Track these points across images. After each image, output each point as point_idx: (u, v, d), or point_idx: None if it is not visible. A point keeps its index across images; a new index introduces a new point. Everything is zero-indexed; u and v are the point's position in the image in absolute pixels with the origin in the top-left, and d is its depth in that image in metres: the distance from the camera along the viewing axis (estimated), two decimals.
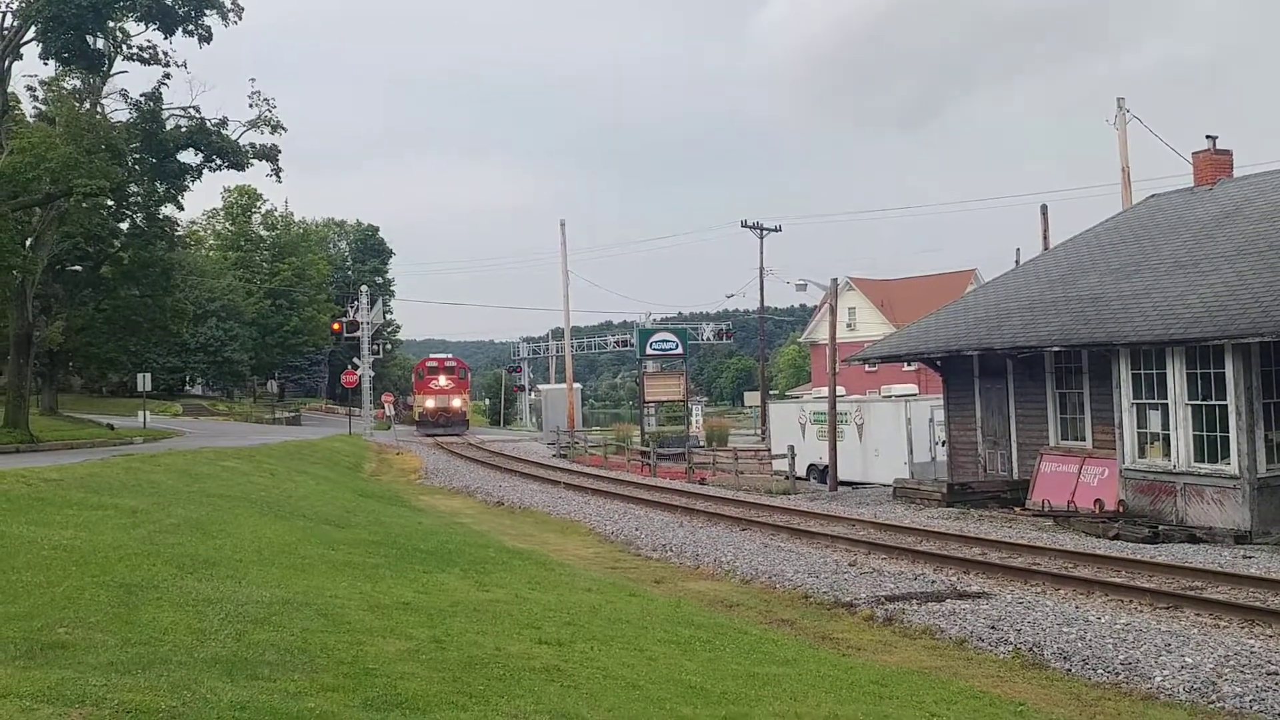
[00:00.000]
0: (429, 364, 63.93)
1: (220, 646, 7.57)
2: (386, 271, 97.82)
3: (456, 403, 61.36)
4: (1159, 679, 9.69)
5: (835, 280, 33.20)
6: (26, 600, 8.26)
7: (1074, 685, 9.89)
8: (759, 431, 61.69)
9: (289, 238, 73.55)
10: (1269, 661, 9.90)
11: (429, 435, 56.86)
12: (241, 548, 13.01)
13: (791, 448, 30.92)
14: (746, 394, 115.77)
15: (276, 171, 33.09)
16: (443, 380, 61.29)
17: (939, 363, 26.94)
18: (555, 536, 21.06)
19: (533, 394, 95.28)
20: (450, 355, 67.18)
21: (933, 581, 14.76)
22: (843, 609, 13.49)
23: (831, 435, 30.20)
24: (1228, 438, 18.80)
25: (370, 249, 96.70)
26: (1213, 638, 10.97)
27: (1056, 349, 22.60)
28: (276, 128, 32.65)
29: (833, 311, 32.22)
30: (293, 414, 66.24)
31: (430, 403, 61.02)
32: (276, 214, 74.80)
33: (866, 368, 45.19)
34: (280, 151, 32.91)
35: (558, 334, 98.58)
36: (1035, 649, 11.01)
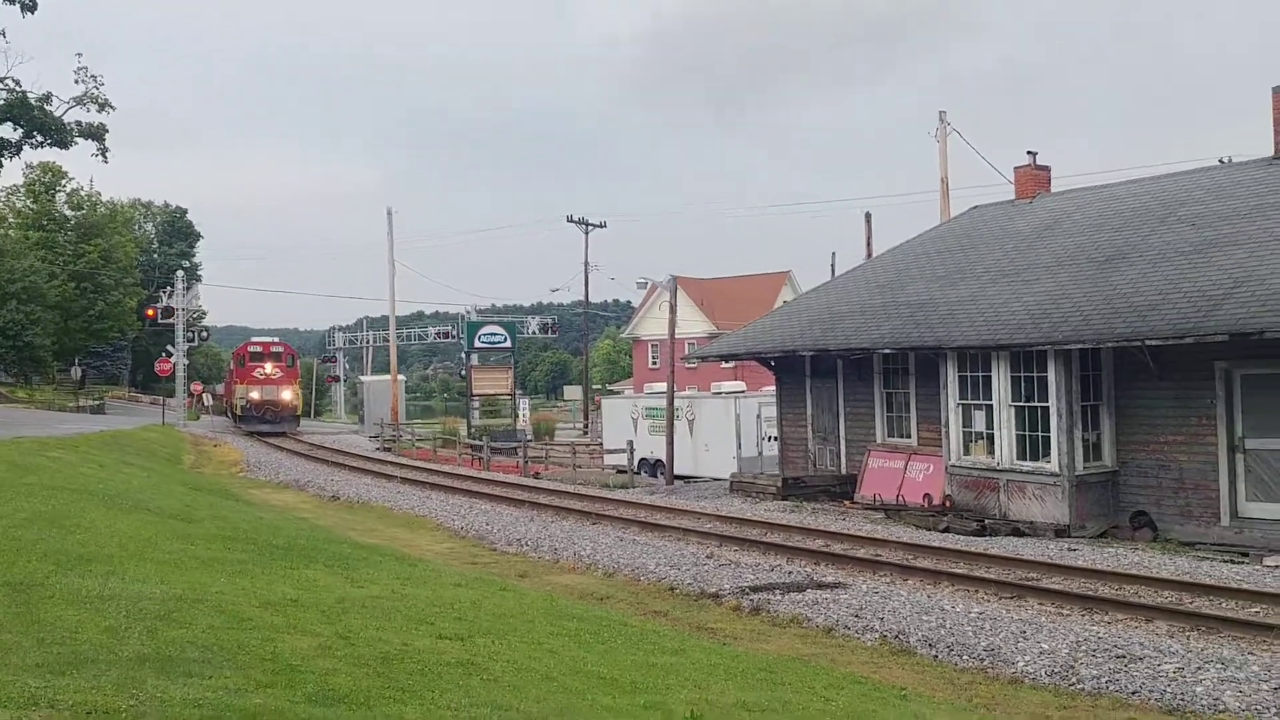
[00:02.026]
0: (251, 349, 55.76)
1: (140, 645, 7.42)
2: (194, 255, 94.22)
3: (286, 394, 53.66)
4: (1022, 664, 10.45)
5: (674, 278, 33.89)
6: None
7: (945, 670, 10.57)
8: (583, 426, 62.25)
9: (95, 218, 69.82)
10: (1116, 646, 10.80)
11: (252, 432, 50.75)
12: (104, 543, 12.59)
13: (630, 443, 31.47)
14: (566, 388, 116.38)
15: (103, 151, 31.52)
16: (269, 368, 53.57)
17: (773, 362, 27.87)
18: (403, 532, 20.92)
19: (344, 383, 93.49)
20: (276, 339, 59.03)
21: (790, 572, 15.41)
22: (710, 600, 13.96)
23: (669, 430, 30.87)
24: (1049, 437, 20.16)
25: (178, 232, 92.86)
26: (1061, 625, 11.87)
27: (888, 351, 23.73)
28: (104, 106, 31.09)
29: (672, 310, 32.91)
30: (97, 402, 63.04)
31: (254, 394, 52.91)
32: (82, 193, 71.02)
33: (687, 365, 46.37)
34: (108, 130, 31.39)
35: (373, 323, 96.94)
36: (900, 636, 11.69)
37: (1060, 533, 19.63)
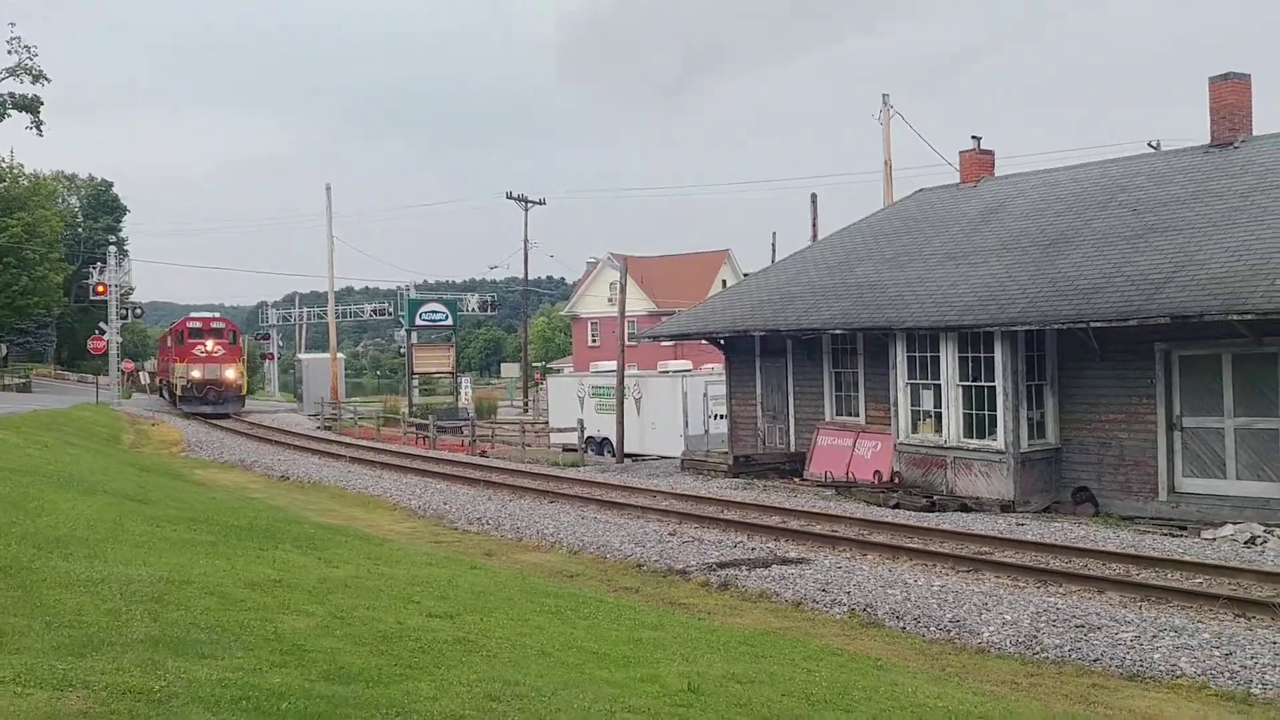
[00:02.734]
0: (191, 324, 51.92)
1: (146, 628, 7.50)
2: (120, 230, 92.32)
3: (230, 373, 50.47)
4: (987, 634, 10.88)
5: (624, 259, 34.09)
6: None
7: (914, 642, 10.97)
8: (523, 404, 62.27)
9: (18, 190, 67.92)
10: (1074, 616, 11.27)
11: (194, 413, 47.97)
12: (74, 525, 12.55)
13: (581, 421, 31.71)
14: (503, 365, 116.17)
15: (37, 124, 30.81)
16: (211, 345, 50.14)
17: (722, 341, 28.22)
18: (361, 512, 20.98)
19: (278, 360, 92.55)
20: (217, 314, 55.40)
21: (752, 549, 15.75)
22: (678, 576, 14.26)
23: (619, 409, 31.14)
24: (995, 416, 20.71)
25: (103, 205, 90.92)
26: (1020, 597, 12.33)
27: (838, 331, 24.15)
28: (39, 77, 30.33)
29: (622, 290, 33.10)
30: (22, 380, 61.73)
31: (196, 373, 49.32)
32: (4, 165, 69.05)
33: (630, 343, 46.68)
34: (42, 103, 30.67)
35: (305, 299, 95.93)
36: (868, 610, 12.07)
37: (1005, 508, 20.20)
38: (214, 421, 45.23)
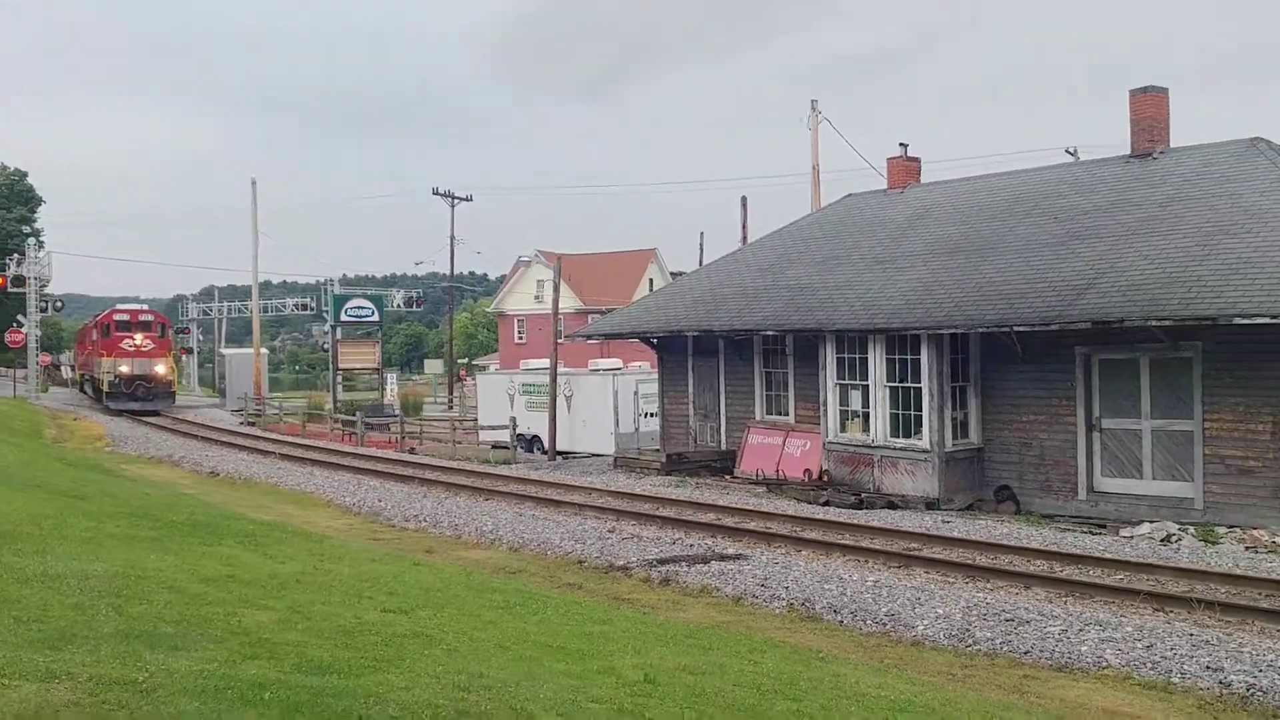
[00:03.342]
0: (118, 317, 49.36)
1: (114, 622, 7.60)
2: (35, 220, 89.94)
3: (160, 368, 48.14)
4: (921, 628, 11.33)
5: (557, 257, 34.28)
6: None
7: (852, 635, 11.38)
8: (448, 401, 62.08)
9: None
10: (1004, 610, 11.77)
11: (123, 410, 46.14)
12: (17, 521, 12.50)
13: (514, 419, 31.84)
14: (426, 361, 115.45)
15: None
16: (139, 338, 47.81)
17: (655, 341, 28.55)
18: (296, 509, 20.95)
19: (197, 355, 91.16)
20: (145, 306, 52.77)
21: (691, 545, 16.09)
22: (619, 572, 14.55)
23: (552, 407, 31.34)
24: (920, 416, 21.31)
25: (17, 196, 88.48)
26: (951, 592, 12.82)
27: (770, 332, 24.61)
28: None
29: (556, 289, 33.28)
30: None
31: (124, 367, 47.09)
32: None
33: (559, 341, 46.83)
34: None
35: (224, 293, 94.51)
36: (807, 604, 12.47)
37: (930, 505, 20.81)
38: (138, 418, 44.48)
